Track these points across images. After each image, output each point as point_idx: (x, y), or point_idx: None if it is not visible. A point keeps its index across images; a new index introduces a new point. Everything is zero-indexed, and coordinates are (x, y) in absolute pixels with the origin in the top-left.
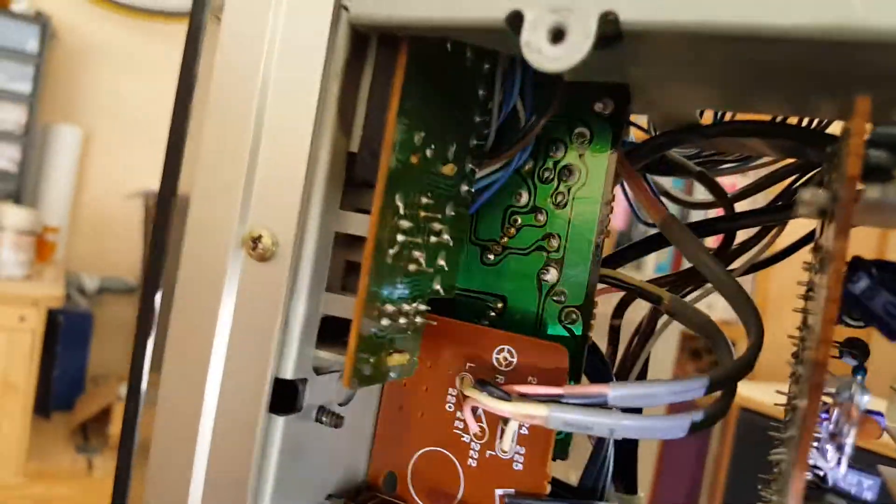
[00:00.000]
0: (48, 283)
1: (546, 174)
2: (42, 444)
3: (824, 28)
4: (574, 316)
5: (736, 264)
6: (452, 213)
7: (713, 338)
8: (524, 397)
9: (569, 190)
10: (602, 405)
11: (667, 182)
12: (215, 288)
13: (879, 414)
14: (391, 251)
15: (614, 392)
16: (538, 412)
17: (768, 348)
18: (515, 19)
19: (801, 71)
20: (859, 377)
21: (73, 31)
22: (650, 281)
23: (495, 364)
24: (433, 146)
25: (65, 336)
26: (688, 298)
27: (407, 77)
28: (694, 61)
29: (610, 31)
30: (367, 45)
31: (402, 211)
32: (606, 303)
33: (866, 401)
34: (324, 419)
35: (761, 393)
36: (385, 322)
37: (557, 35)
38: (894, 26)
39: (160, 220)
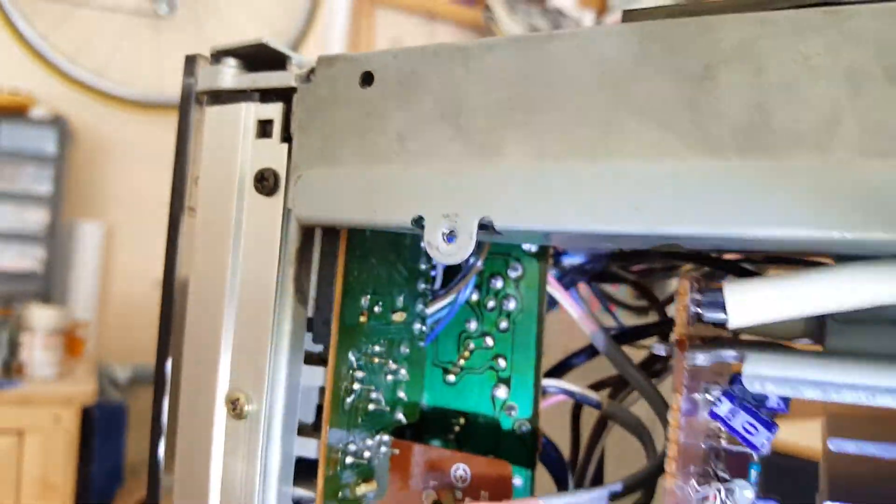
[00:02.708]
0: (80, 379)
1: (489, 303)
2: None
3: (634, 234)
4: (525, 427)
5: None
6: (408, 351)
7: (642, 439)
8: None
9: (509, 316)
10: None
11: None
12: (206, 445)
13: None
14: (349, 399)
15: (544, 503)
16: None
17: None
18: (419, 222)
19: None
20: (754, 472)
21: (89, 130)
22: (595, 384)
23: (453, 481)
24: (381, 302)
25: (100, 430)
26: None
27: (348, 257)
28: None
29: (489, 229)
30: (314, 233)
31: (355, 363)
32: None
33: (748, 498)
34: None
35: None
36: (350, 460)
37: (450, 236)
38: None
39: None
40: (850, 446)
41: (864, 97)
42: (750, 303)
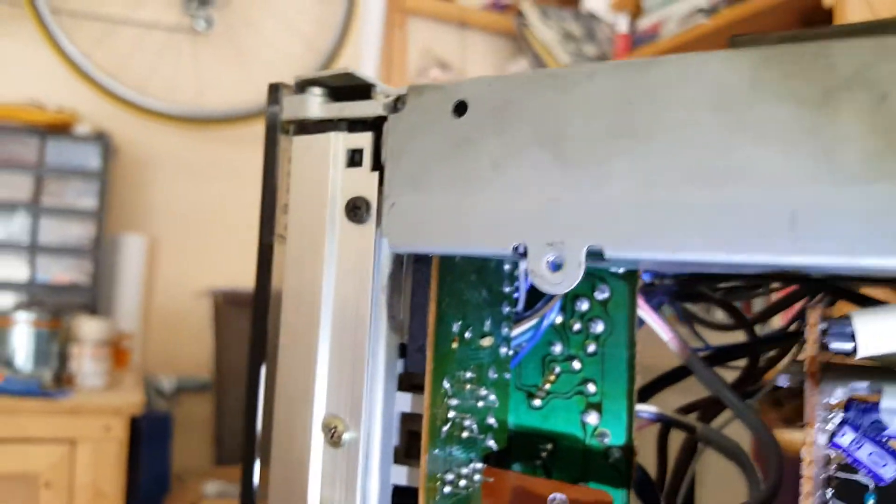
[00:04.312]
0: (128, 390)
1: (575, 326)
2: None
3: (758, 264)
4: (617, 454)
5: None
6: (495, 376)
7: (743, 466)
8: None
9: (597, 339)
10: None
11: None
12: (302, 473)
13: None
14: (445, 428)
15: None
16: None
17: None
18: (519, 250)
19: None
20: (871, 502)
21: (131, 146)
22: (683, 408)
23: None
24: (470, 328)
25: (147, 439)
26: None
27: (440, 284)
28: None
29: (598, 256)
30: (405, 260)
31: (449, 391)
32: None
33: None
34: None
35: None
36: (448, 489)
37: (556, 265)
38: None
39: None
40: None
41: None
42: (880, 331)
